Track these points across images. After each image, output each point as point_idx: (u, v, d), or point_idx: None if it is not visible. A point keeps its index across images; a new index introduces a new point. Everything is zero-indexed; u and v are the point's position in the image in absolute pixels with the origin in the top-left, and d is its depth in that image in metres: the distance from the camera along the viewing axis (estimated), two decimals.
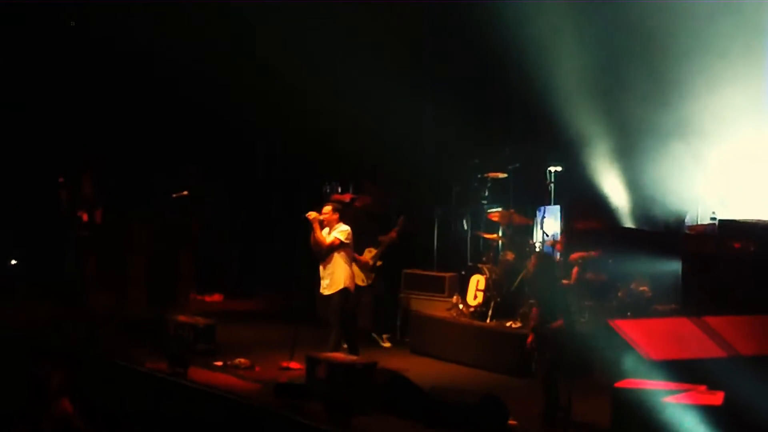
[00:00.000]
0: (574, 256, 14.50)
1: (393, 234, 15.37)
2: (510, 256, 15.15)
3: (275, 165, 19.91)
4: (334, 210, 13.65)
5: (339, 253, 13.50)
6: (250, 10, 17.91)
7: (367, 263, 15.14)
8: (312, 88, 17.48)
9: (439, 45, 18.31)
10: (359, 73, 17.15)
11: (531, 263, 13.13)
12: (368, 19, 17.64)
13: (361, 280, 14.95)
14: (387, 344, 15.66)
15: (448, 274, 15.89)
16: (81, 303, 16.68)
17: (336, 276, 13.51)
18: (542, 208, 15.48)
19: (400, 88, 17.15)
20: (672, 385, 10.45)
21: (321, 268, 13.61)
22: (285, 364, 13.56)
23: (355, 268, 14.36)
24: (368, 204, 16.04)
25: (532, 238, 15.58)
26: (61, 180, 17.45)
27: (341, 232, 13.48)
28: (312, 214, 13.48)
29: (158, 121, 19.26)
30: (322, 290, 13.62)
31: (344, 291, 13.50)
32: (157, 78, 18.96)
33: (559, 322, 11.44)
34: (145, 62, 18.77)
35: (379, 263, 15.31)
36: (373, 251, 15.28)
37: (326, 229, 13.57)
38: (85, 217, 17.31)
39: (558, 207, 15.73)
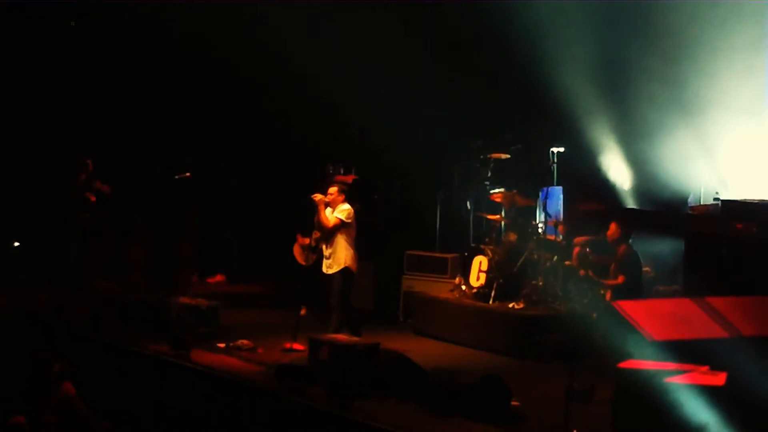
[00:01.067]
0: (578, 239, 14.49)
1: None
2: (513, 237, 15.16)
3: (277, 146, 19.89)
4: (340, 191, 13.65)
5: (341, 233, 13.51)
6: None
7: (310, 243, 15.02)
8: (313, 72, 17.46)
9: (441, 27, 18.26)
10: (360, 56, 17.13)
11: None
12: (370, 3, 17.60)
13: (303, 260, 14.91)
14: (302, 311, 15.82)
15: (450, 256, 15.90)
16: (83, 287, 16.68)
17: (338, 256, 13.52)
18: (545, 189, 15.46)
19: (402, 70, 17.13)
20: (674, 366, 10.43)
21: (323, 248, 13.62)
22: (288, 346, 13.57)
23: (297, 247, 14.55)
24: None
25: (534, 219, 15.56)
26: (82, 160, 17.45)
27: (342, 211, 13.49)
28: (318, 196, 13.48)
29: (160, 108, 19.24)
30: (324, 269, 13.62)
31: (346, 270, 13.50)
32: (159, 65, 18.97)
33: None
34: (146, 50, 18.80)
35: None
36: (318, 234, 15.32)
37: (329, 210, 13.58)
38: (92, 199, 17.31)
39: (560, 188, 15.71)
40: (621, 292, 13.30)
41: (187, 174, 17.24)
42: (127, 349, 13.56)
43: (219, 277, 18.59)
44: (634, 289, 13.51)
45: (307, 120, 18.51)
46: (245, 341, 13.83)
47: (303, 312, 14.75)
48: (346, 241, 13.53)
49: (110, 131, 19.04)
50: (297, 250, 14.92)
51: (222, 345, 13.78)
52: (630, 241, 13.90)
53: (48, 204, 18.16)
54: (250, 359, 13.26)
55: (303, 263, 15.39)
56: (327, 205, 13.57)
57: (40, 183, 18.40)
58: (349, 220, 13.51)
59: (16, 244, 18.71)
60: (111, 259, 17.24)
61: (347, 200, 13.64)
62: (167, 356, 13.08)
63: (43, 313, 15.32)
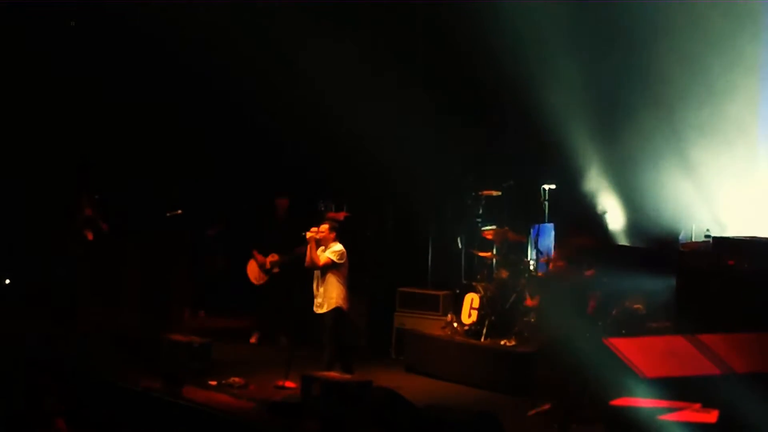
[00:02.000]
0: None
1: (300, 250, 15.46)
2: (504, 274, 15.16)
3: (266, 183, 19.87)
4: (331, 229, 13.70)
5: (332, 272, 13.53)
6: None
7: (264, 264, 15.99)
8: (302, 107, 17.45)
9: (432, 62, 18.32)
10: (350, 91, 17.16)
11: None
12: (361, 37, 17.65)
13: (254, 278, 15.98)
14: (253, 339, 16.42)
15: (442, 293, 15.90)
16: (74, 319, 16.66)
17: (329, 295, 13.55)
18: (536, 226, 15.50)
19: (392, 106, 17.16)
20: (667, 403, 10.45)
21: (314, 286, 13.65)
22: (280, 383, 13.56)
23: (253, 264, 15.79)
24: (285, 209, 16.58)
25: (526, 256, 15.59)
26: (90, 196, 17.49)
27: (334, 252, 13.53)
28: (310, 233, 13.52)
29: (152, 138, 19.24)
30: (315, 309, 13.65)
31: (337, 310, 13.52)
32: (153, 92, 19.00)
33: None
34: (143, 79, 18.84)
35: (275, 270, 16.10)
36: (276, 258, 15.90)
37: (321, 248, 13.61)
38: (90, 236, 17.31)
39: (552, 225, 15.75)
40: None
41: (179, 211, 17.24)
42: (119, 385, 13.52)
43: (201, 313, 18.60)
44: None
45: (298, 157, 18.50)
46: (237, 378, 13.81)
47: (254, 339, 14.97)
48: (338, 280, 13.55)
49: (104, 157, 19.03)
50: (251, 268, 15.52)
51: (214, 382, 13.75)
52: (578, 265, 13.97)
53: (42, 237, 18.13)
54: (243, 396, 13.24)
55: (254, 282, 16.25)
56: (318, 242, 13.62)
57: (35, 212, 18.37)
58: (341, 261, 13.54)
59: (7, 281, 18.70)
60: (103, 293, 17.24)
61: (338, 238, 13.69)
62: (159, 393, 13.05)
63: (33, 345, 15.28)
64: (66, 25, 19.42)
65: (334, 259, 13.49)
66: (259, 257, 16.23)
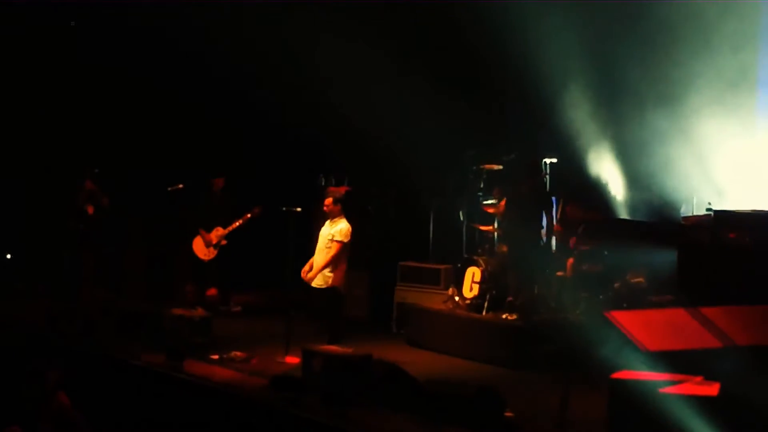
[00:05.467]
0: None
1: (241, 220, 16.65)
2: (505, 248, 15.15)
3: (268, 157, 19.85)
4: (335, 201, 13.67)
5: (335, 248, 13.50)
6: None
7: (210, 240, 16.60)
8: (305, 83, 17.44)
9: (433, 37, 18.27)
10: (352, 66, 17.13)
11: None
12: (362, 14, 17.60)
13: (204, 253, 16.53)
14: (237, 308, 16.93)
15: (443, 267, 15.91)
16: (77, 298, 16.69)
17: (325, 272, 13.53)
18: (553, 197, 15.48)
19: (394, 81, 17.13)
20: (668, 376, 10.46)
21: (316, 257, 13.63)
22: (281, 359, 13.58)
23: (199, 241, 16.48)
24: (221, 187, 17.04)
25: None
26: (90, 169, 17.49)
27: (340, 231, 13.48)
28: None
29: (155, 121, 19.23)
30: (304, 275, 13.63)
31: (332, 290, 13.53)
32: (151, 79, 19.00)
33: None
34: (144, 66, 18.83)
35: (223, 242, 16.66)
36: (221, 231, 16.56)
37: (327, 224, 13.61)
38: (90, 210, 17.29)
39: (554, 199, 15.72)
40: None
41: (180, 186, 17.22)
42: (121, 360, 13.56)
43: (212, 290, 18.58)
44: None
45: (300, 130, 18.47)
46: (239, 352, 13.82)
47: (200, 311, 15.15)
48: (339, 257, 13.54)
49: (108, 140, 18.99)
50: (198, 245, 15.76)
51: (216, 357, 13.77)
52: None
53: (44, 213, 18.14)
54: (244, 370, 13.26)
55: (203, 258, 16.68)
56: (326, 217, 13.62)
57: (37, 191, 18.38)
58: (348, 239, 13.52)
59: (9, 256, 18.71)
60: (107, 268, 17.26)
61: (343, 212, 13.70)
62: (161, 367, 13.08)
63: (37, 322, 15.32)
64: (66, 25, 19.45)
65: (344, 240, 13.46)
66: (207, 235, 16.64)
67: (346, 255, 13.60)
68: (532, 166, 14.67)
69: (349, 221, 13.62)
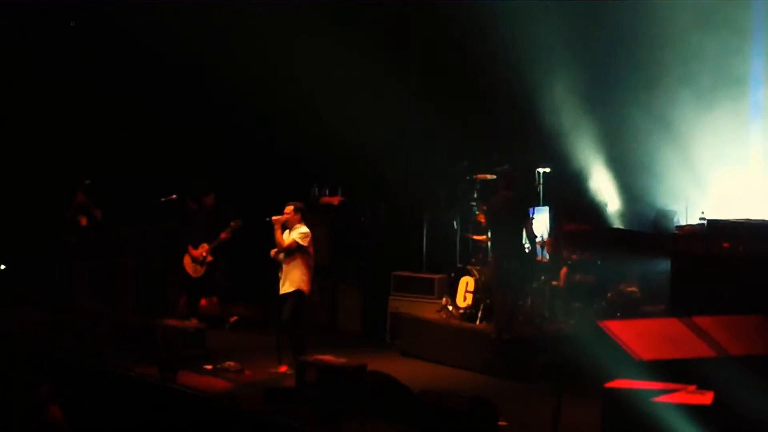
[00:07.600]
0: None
1: (223, 235, 16.28)
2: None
3: (261, 168, 19.84)
4: (296, 210, 13.68)
5: (297, 254, 13.51)
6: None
7: (197, 257, 16.31)
8: (298, 94, 17.43)
9: (426, 46, 18.30)
10: (345, 77, 17.14)
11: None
12: (354, 26, 17.63)
13: (192, 270, 16.31)
14: (234, 318, 16.76)
15: (437, 276, 15.88)
16: (70, 310, 16.65)
17: (292, 276, 13.59)
18: (531, 209, 15.47)
19: (387, 90, 17.13)
20: (662, 385, 10.46)
21: (283, 267, 13.65)
22: (274, 370, 13.56)
23: (188, 258, 16.18)
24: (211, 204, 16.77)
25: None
26: (81, 181, 17.45)
27: (299, 234, 13.52)
28: (276, 217, 13.51)
29: (150, 131, 19.22)
30: (281, 290, 13.66)
31: (298, 293, 13.54)
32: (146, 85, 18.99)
33: None
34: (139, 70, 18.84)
35: (209, 258, 16.34)
36: (206, 246, 16.28)
37: (287, 231, 13.60)
38: (83, 222, 17.27)
39: (547, 208, 15.73)
40: None
41: (173, 196, 17.19)
42: (114, 371, 13.52)
43: (204, 302, 18.55)
44: None
45: (293, 142, 18.46)
46: (232, 363, 13.80)
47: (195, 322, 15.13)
48: (302, 262, 13.58)
49: (101, 151, 18.96)
50: (187, 262, 15.65)
51: (209, 367, 13.75)
52: None
53: (37, 224, 18.10)
54: (237, 381, 13.24)
55: (192, 275, 16.43)
56: (284, 226, 13.61)
57: (30, 203, 18.34)
58: (305, 243, 13.52)
59: (2, 267, 18.66)
60: (99, 279, 17.23)
61: (304, 220, 13.70)
62: (154, 379, 13.04)
63: (29, 335, 15.27)
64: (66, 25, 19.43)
65: (299, 240, 13.47)
66: (194, 252, 16.46)
67: (308, 259, 13.65)
68: (507, 178, 14.36)
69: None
